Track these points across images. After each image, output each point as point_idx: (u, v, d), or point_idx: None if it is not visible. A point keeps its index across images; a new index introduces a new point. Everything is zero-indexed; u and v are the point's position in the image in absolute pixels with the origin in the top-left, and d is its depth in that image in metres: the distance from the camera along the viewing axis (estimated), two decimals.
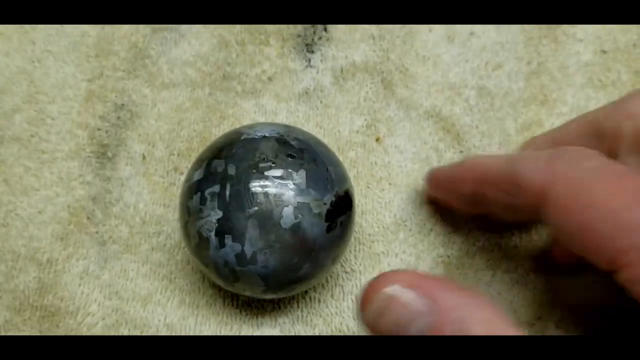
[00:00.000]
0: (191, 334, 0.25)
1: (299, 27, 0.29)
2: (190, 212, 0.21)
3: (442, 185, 0.24)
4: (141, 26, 0.29)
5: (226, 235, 0.20)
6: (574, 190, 0.18)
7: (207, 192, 0.20)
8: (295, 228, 0.20)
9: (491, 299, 0.24)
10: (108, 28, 0.29)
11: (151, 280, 0.25)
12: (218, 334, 0.24)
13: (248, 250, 0.20)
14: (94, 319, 0.25)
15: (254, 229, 0.20)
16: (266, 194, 0.20)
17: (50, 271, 0.25)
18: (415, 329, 0.16)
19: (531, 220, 0.25)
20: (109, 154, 0.27)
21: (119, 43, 0.29)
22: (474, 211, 0.24)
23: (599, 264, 0.18)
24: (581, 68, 0.28)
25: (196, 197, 0.21)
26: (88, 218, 0.26)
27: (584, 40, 0.29)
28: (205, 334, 0.25)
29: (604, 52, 0.28)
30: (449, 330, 0.16)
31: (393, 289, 0.17)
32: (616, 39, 0.29)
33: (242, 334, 0.24)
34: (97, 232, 0.26)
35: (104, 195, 0.27)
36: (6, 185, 0.27)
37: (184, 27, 0.29)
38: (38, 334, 0.25)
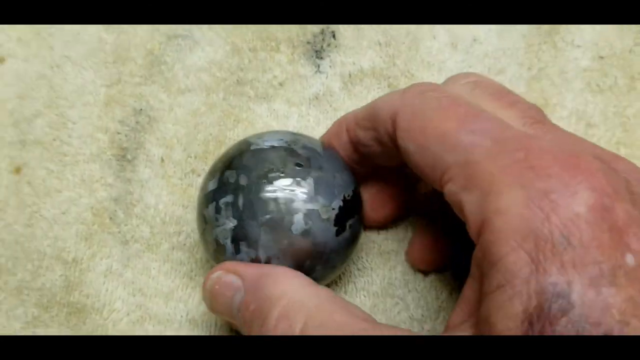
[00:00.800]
0: (212, 328, 0.26)
1: (309, 34, 0.30)
2: (206, 221, 0.22)
3: (334, 143, 0.25)
4: (156, 33, 0.30)
5: (241, 242, 0.22)
6: (415, 116, 0.20)
7: (221, 202, 0.22)
8: (306, 234, 0.21)
9: None
10: (124, 35, 0.30)
11: (172, 277, 0.27)
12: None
13: (262, 255, 0.21)
14: (119, 314, 0.26)
15: (266, 236, 0.21)
16: (277, 203, 0.21)
17: (75, 270, 0.27)
18: (236, 304, 0.21)
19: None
20: (129, 157, 0.28)
21: (136, 50, 0.30)
22: (361, 166, 0.25)
23: (434, 184, 0.20)
24: (580, 73, 0.29)
25: (211, 207, 0.22)
26: (110, 218, 0.27)
27: (582, 47, 0.30)
28: (225, 329, 0.26)
29: (602, 57, 0.30)
30: (254, 300, 0.21)
31: (217, 274, 0.22)
32: (613, 45, 0.30)
33: None
34: (119, 232, 0.27)
35: (125, 196, 0.28)
36: (30, 188, 0.28)
37: (198, 35, 0.30)
38: (66, 330, 0.26)
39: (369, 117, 0.23)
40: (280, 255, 0.22)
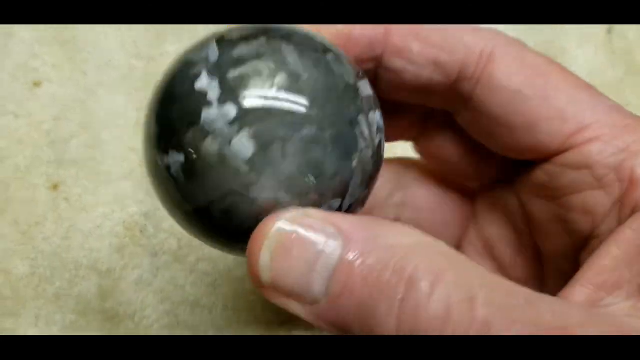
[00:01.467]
0: (235, 335, 0.28)
1: None
2: None
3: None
4: None
5: None
6: (531, 64, 0.17)
7: None
8: None
9: None
10: (153, 63, 0.33)
11: (198, 287, 0.29)
12: (258, 334, 0.28)
13: None
14: (149, 321, 0.28)
15: None
16: None
17: (109, 279, 0.29)
18: (327, 270, 0.13)
19: (440, 104, 0.19)
20: None
21: None
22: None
23: (540, 143, 0.17)
24: None
25: None
26: (141, 232, 0.30)
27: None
28: (247, 334, 0.28)
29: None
30: (372, 258, 0.13)
31: (284, 227, 0.14)
32: (605, 75, 0.32)
33: (280, 334, 0.28)
34: (149, 245, 0.30)
35: (155, 212, 0.30)
36: (67, 203, 0.30)
37: None
38: (102, 334, 0.28)
39: (442, 35, 0.17)
40: None
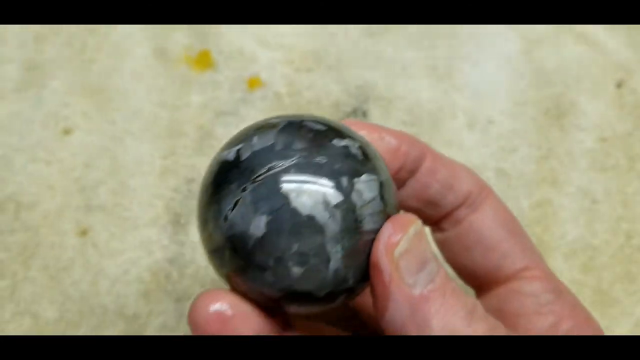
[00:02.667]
0: None
1: (341, 113, 0.34)
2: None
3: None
4: (206, 110, 0.34)
5: None
6: (505, 216, 0.24)
7: None
8: None
9: None
10: (178, 112, 0.34)
11: None
12: None
13: None
14: None
15: None
16: None
17: (135, 325, 0.30)
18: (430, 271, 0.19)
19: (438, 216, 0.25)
20: (182, 222, 0.32)
21: (188, 125, 0.34)
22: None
23: (502, 268, 0.23)
24: (585, 153, 0.33)
25: None
26: (166, 278, 0.31)
27: (586, 129, 0.34)
28: None
29: (604, 140, 0.33)
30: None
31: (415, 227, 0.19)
32: (614, 128, 0.34)
33: None
34: (173, 290, 0.31)
35: (179, 258, 0.31)
36: (94, 249, 0.31)
37: (244, 112, 0.34)
38: None
39: (456, 167, 0.24)
40: None
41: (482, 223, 0.24)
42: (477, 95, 0.34)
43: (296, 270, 0.18)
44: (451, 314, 0.18)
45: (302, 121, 0.20)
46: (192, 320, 0.20)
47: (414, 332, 0.18)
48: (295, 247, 0.18)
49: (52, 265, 0.31)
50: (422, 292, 0.18)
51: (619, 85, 0.35)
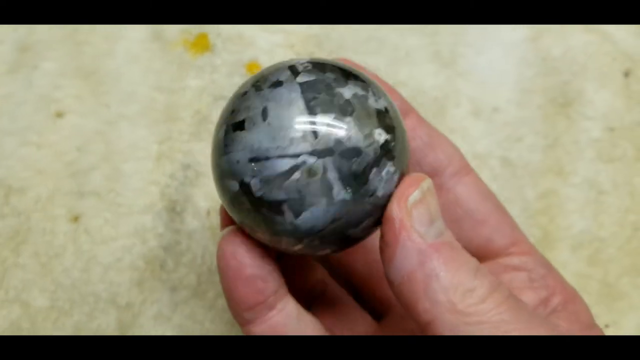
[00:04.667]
0: None
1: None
2: None
3: None
4: (204, 94, 0.33)
5: None
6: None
7: None
8: None
9: None
10: (174, 96, 0.33)
11: (217, 323, 0.29)
12: None
13: None
14: None
15: None
16: None
17: (128, 314, 0.29)
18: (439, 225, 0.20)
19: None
20: (178, 209, 0.31)
21: (184, 110, 0.33)
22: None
23: (492, 241, 0.24)
24: (591, 143, 0.32)
25: None
26: (161, 266, 0.30)
27: (593, 119, 0.33)
28: None
29: (612, 129, 0.32)
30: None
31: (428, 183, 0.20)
32: (622, 118, 0.33)
33: None
34: (168, 279, 0.30)
35: (175, 246, 0.30)
36: (87, 235, 0.30)
37: None
38: None
39: (432, 132, 0.26)
40: None
41: (468, 196, 0.24)
42: (482, 82, 0.33)
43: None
44: (458, 266, 0.19)
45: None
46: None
47: (421, 281, 0.18)
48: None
49: (43, 251, 0.30)
50: (433, 242, 0.19)
51: (627, 74, 0.34)
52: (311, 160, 0.19)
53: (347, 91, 0.19)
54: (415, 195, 0.19)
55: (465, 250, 0.20)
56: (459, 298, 0.18)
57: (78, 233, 0.30)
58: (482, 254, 0.24)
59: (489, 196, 0.25)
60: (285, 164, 0.19)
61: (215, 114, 0.33)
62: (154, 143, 0.32)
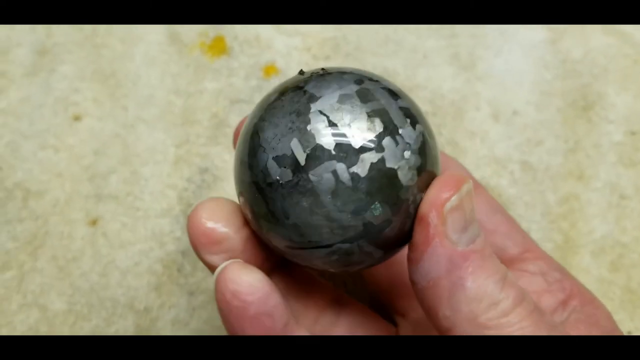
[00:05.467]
0: None
1: None
2: None
3: None
4: (221, 97, 0.33)
5: None
6: None
7: None
8: None
9: None
10: (192, 99, 0.33)
11: None
12: None
13: None
14: None
15: None
16: None
17: (146, 318, 0.29)
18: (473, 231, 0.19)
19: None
20: None
21: (202, 113, 0.33)
22: None
23: (506, 249, 0.25)
24: (613, 147, 0.32)
25: None
26: (178, 270, 0.30)
27: (614, 122, 0.32)
28: None
29: (633, 133, 0.32)
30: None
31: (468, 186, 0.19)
32: None
33: None
34: (186, 284, 0.30)
35: (192, 250, 0.30)
36: (105, 239, 0.30)
37: (259, 99, 0.33)
38: None
39: (443, 157, 0.26)
40: None
41: (478, 209, 0.23)
42: (502, 85, 0.33)
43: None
44: (485, 276, 0.18)
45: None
46: None
47: (446, 288, 0.18)
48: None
49: (61, 255, 0.30)
50: (464, 250, 0.18)
51: None
52: (345, 246, 0.19)
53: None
54: (453, 201, 0.18)
55: (495, 257, 0.19)
56: (482, 310, 0.18)
57: (96, 237, 0.30)
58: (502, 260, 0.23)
59: (498, 208, 0.25)
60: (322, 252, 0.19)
61: (232, 117, 0.33)
62: (172, 146, 0.32)
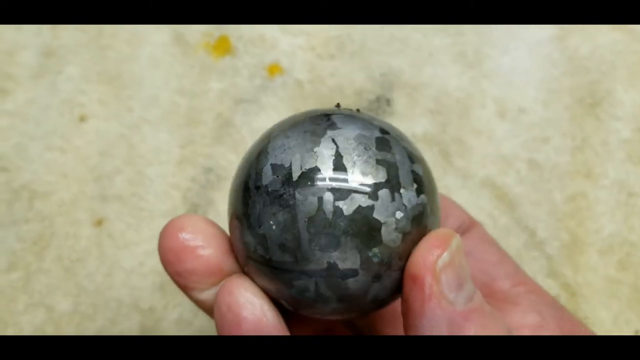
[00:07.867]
0: None
1: (365, 101, 0.33)
2: None
3: None
4: (225, 98, 0.33)
5: None
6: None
7: None
8: None
9: None
10: (196, 99, 0.33)
11: None
12: None
13: None
14: None
15: None
16: None
17: (151, 318, 0.29)
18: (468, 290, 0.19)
19: None
20: (200, 213, 0.31)
21: (206, 113, 0.33)
22: None
23: (498, 281, 0.24)
24: (621, 144, 0.31)
25: None
26: None
27: (622, 119, 0.32)
28: None
29: None
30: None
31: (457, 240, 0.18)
32: None
33: None
34: None
35: None
36: (110, 240, 0.30)
37: (264, 100, 0.33)
38: None
39: (445, 202, 0.25)
40: None
41: (472, 244, 0.24)
42: (508, 82, 0.33)
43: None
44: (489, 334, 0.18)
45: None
46: None
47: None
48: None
49: (67, 256, 0.30)
50: (463, 310, 0.17)
51: None
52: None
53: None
54: (444, 257, 0.17)
55: (496, 314, 0.18)
56: None
57: (101, 237, 0.31)
58: (487, 294, 0.23)
59: (492, 242, 0.25)
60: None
61: (237, 117, 0.33)
62: (176, 147, 0.32)
